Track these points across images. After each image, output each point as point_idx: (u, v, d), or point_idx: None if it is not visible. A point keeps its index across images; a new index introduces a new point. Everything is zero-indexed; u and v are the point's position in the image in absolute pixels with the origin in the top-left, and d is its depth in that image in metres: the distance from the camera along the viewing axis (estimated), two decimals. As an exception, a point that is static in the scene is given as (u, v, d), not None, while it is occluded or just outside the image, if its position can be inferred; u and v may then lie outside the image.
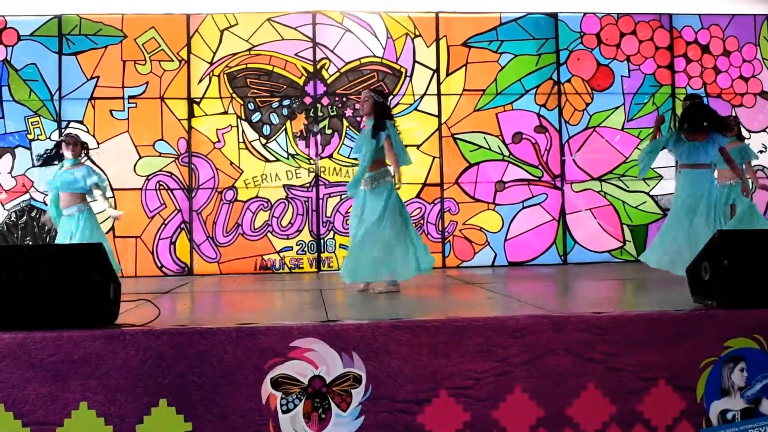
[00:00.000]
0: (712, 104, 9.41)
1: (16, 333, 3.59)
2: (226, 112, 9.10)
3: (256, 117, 9.12)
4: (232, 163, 9.07)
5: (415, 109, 9.22)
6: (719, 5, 9.70)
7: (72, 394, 3.56)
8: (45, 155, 6.99)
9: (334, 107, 9.16)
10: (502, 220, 9.32)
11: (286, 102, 9.15)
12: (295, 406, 3.63)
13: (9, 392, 3.55)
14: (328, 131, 9.16)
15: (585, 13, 9.55)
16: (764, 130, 9.73)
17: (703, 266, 4.25)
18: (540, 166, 9.41)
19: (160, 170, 8.99)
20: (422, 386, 3.71)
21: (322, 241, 9.05)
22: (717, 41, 9.73)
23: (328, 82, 9.20)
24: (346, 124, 9.13)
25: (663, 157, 7.10)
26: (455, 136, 9.30)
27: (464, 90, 9.34)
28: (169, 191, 8.98)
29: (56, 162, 7.17)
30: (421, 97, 9.26)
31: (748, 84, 9.77)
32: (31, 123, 8.79)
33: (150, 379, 3.60)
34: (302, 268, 9.06)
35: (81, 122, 8.92)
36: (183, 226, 8.98)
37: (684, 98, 7.43)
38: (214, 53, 9.11)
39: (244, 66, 9.15)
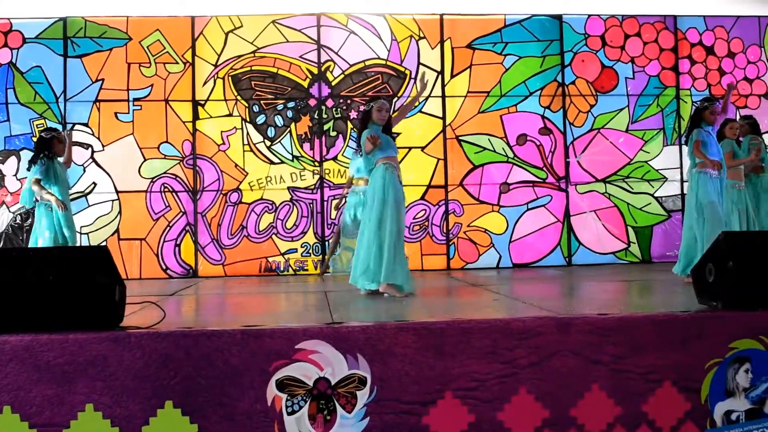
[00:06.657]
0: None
1: (22, 335, 3.60)
2: (230, 115, 9.11)
3: (260, 119, 9.13)
4: (236, 165, 9.08)
5: (420, 110, 9.22)
6: (724, 7, 9.68)
7: (78, 396, 3.57)
8: (40, 151, 6.94)
9: (339, 109, 9.17)
10: (507, 221, 9.32)
11: (290, 104, 9.16)
12: (301, 407, 3.64)
13: (16, 394, 3.56)
14: (333, 133, 9.17)
15: (589, 15, 9.55)
16: (769, 132, 9.73)
17: (707, 268, 4.24)
18: (544, 168, 9.40)
19: (164, 172, 9.01)
20: (427, 388, 3.71)
21: (326, 243, 9.05)
22: (722, 43, 9.73)
23: (333, 84, 9.21)
24: (350, 126, 9.13)
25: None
26: (460, 137, 9.30)
27: (468, 92, 9.34)
28: (173, 193, 9.00)
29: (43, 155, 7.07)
30: (426, 99, 9.25)
31: (753, 86, 9.77)
32: (36, 125, 8.80)
33: (156, 380, 3.60)
34: (307, 270, 9.07)
35: (86, 125, 8.94)
36: (188, 228, 8.99)
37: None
38: (219, 55, 9.13)
39: (248, 68, 9.16)
